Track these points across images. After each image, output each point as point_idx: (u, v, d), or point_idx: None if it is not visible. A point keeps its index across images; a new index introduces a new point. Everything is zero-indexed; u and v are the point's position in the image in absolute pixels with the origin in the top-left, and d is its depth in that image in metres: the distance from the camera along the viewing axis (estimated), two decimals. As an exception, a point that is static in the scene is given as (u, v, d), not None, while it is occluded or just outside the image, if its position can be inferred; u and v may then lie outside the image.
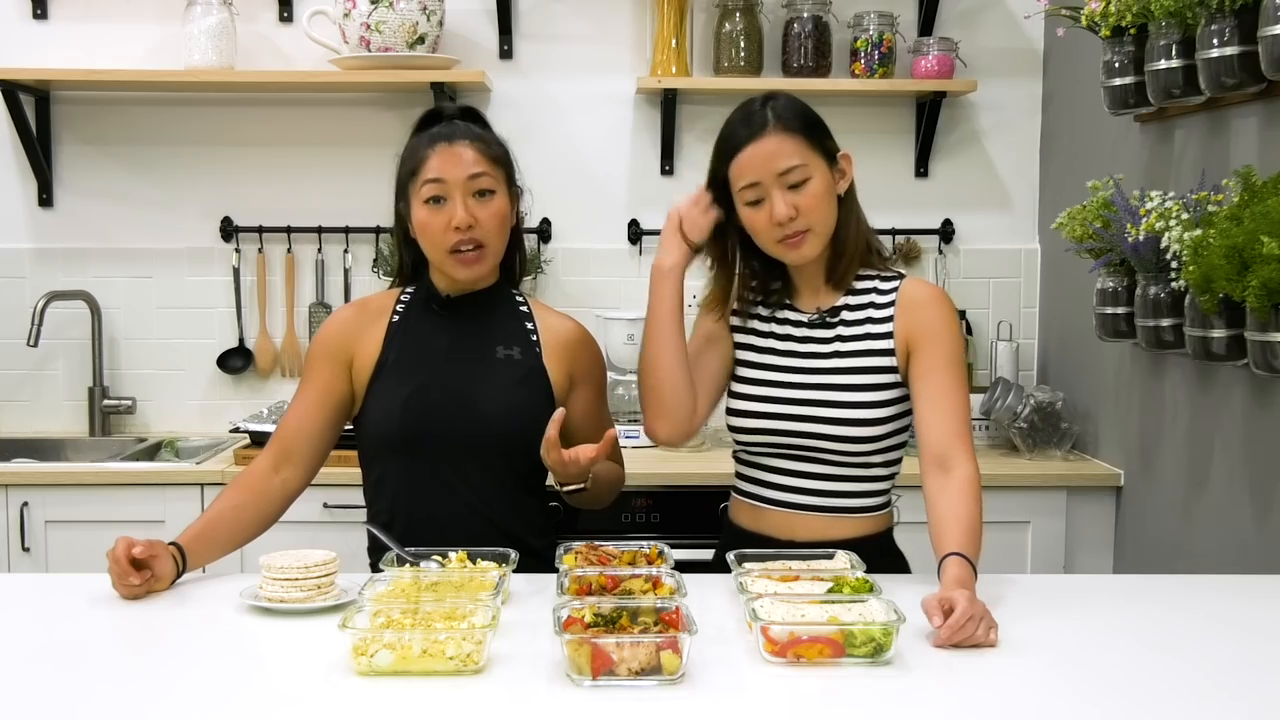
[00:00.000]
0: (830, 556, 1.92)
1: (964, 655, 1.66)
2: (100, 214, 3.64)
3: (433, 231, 2.11)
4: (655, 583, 1.77)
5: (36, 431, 3.63)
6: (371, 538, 2.19)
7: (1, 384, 3.65)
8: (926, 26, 3.61)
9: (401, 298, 2.24)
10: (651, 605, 1.64)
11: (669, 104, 3.57)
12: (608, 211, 3.68)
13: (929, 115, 3.60)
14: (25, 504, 3.10)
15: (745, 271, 2.16)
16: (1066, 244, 2.93)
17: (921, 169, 3.69)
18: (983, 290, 3.70)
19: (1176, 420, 2.85)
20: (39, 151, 3.56)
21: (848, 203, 2.09)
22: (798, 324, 2.13)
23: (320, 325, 2.49)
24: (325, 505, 3.01)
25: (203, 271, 3.66)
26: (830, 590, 1.75)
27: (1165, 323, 2.59)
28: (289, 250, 3.66)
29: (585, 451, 2.00)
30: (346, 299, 3.61)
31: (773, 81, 3.48)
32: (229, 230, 3.63)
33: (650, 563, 1.89)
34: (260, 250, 3.65)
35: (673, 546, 1.95)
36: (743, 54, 3.52)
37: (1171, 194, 2.59)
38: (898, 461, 2.14)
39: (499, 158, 2.16)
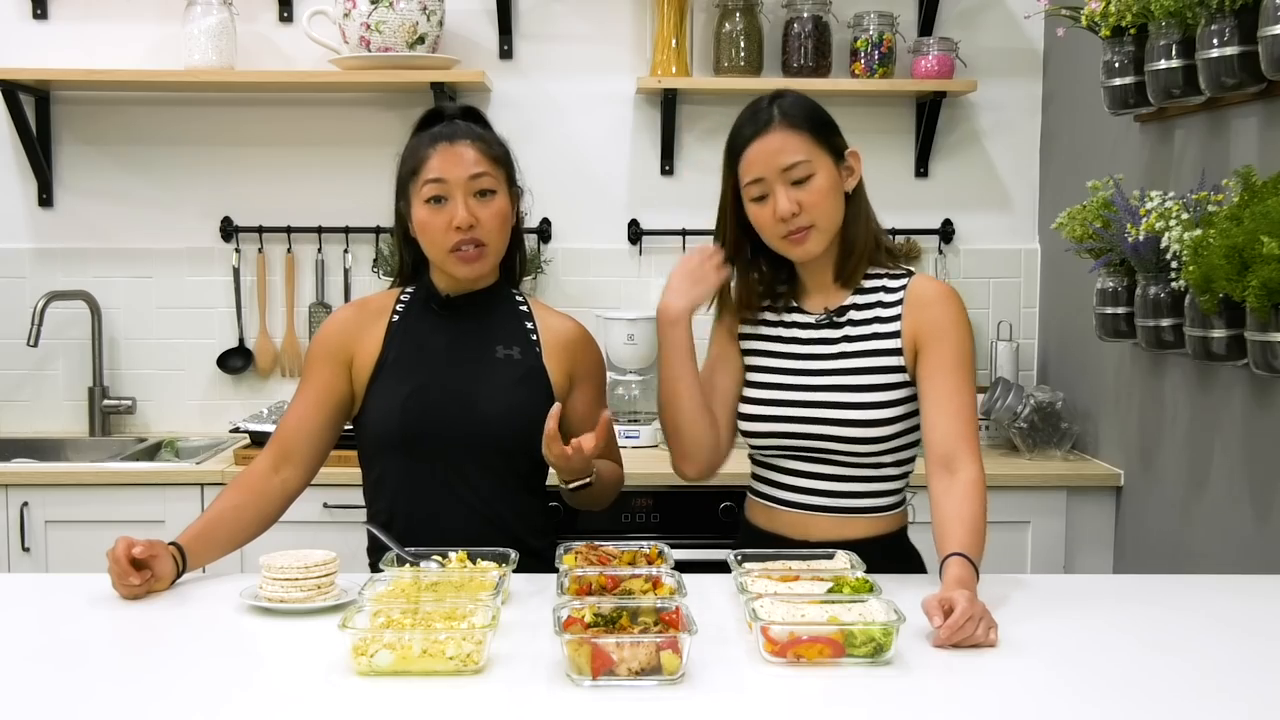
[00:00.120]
0: (830, 556, 1.92)
1: (964, 655, 1.66)
2: (100, 214, 3.64)
3: (433, 231, 2.11)
4: (655, 583, 1.77)
5: (36, 431, 3.63)
6: (371, 538, 2.19)
7: (1, 384, 3.65)
8: (926, 26, 3.61)
9: (401, 298, 2.24)
10: (651, 605, 1.64)
11: (669, 104, 3.57)
12: (608, 211, 3.68)
13: (929, 115, 3.60)
14: (25, 504, 3.10)
15: (754, 274, 2.16)
16: (1066, 244, 2.93)
17: (921, 169, 3.69)
18: (983, 290, 3.70)
19: (1176, 420, 2.85)
20: (39, 151, 3.56)
21: (856, 200, 2.09)
22: (805, 325, 2.12)
23: (320, 325, 2.49)
24: (325, 505, 3.01)
25: (203, 271, 3.66)
26: (830, 590, 1.75)
27: (1165, 323, 2.59)
28: (289, 250, 3.66)
29: (586, 440, 2.00)
30: (346, 299, 3.61)
31: (773, 81, 3.48)
32: (229, 230, 3.63)
33: (650, 563, 1.89)
34: (260, 250, 3.65)
35: (673, 546, 1.95)
36: (743, 54, 3.52)
37: (1171, 194, 2.59)
38: (911, 460, 2.13)
39: (500, 158, 2.16)
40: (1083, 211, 2.81)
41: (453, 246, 2.10)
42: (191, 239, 3.65)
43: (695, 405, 2.14)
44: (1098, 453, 3.28)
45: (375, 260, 3.56)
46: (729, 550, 1.93)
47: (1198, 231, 2.38)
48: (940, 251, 3.69)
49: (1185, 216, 2.46)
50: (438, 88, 3.42)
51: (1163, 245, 2.50)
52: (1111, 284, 2.79)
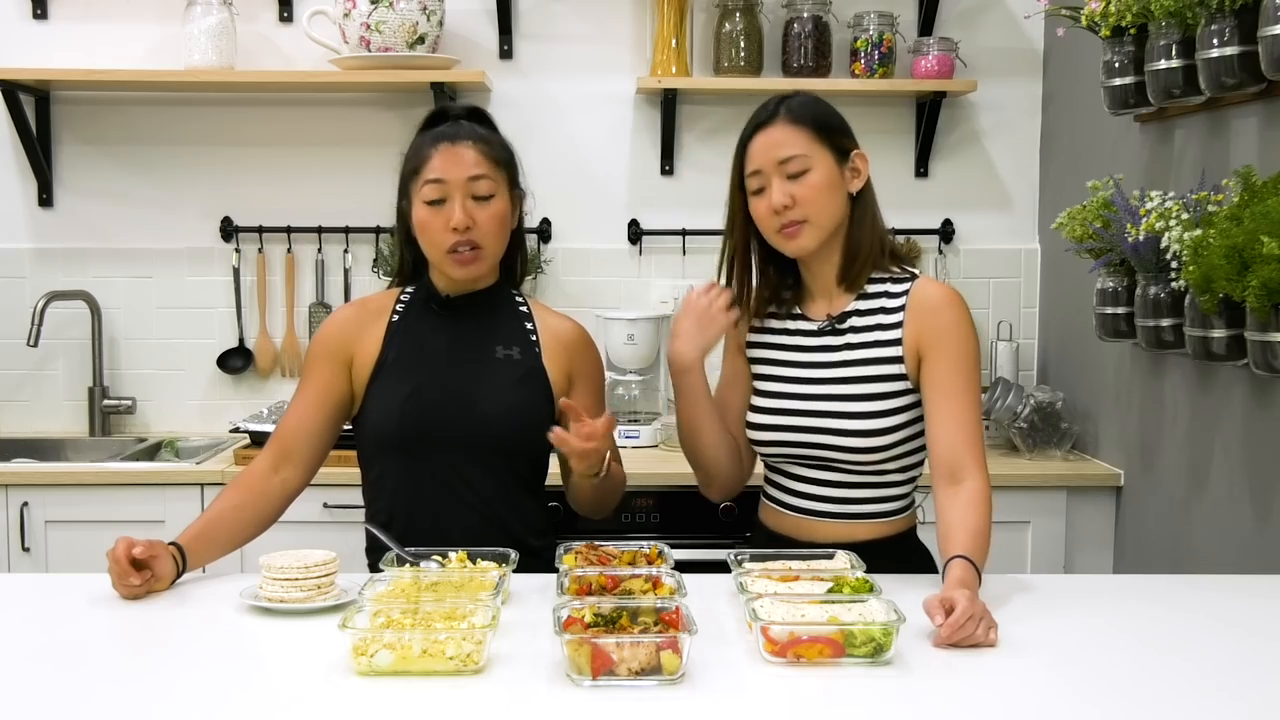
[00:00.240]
0: (830, 556, 1.92)
1: (964, 655, 1.66)
2: (100, 214, 3.64)
3: (431, 231, 2.11)
4: (655, 583, 1.77)
5: (36, 431, 3.63)
6: (371, 538, 2.19)
7: (1, 384, 3.65)
8: (926, 26, 3.61)
9: (401, 297, 2.24)
10: (651, 605, 1.64)
11: (669, 104, 3.57)
12: (608, 211, 3.68)
13: (929, 115, 3.60)
14: (25, 504, 3.10)
15: (761, 278, 2.16)
16: (1066, 244, 2.93)
17: (921, 169, 3.69)
18: (983, 290, 3.70)
19: (1176, 420, 2.85)
20: (39, 151, 3.56)
21: (862, 203, 2.08)
22: (808, 333, 2.12)
23: (320, 325, 2.49)
24: (325, 505, 3.01)
25: (203, 271, 3.66)
26: (830, 590, 1.75)
27: (1165, 323, 2.59)
28: (289, 250, 3.66)
29: (602, 423, 1.98)
30: (346, 299, 3.61)
31: (773, 81, 3.48)
32: (229, 230, 3.63)
33: (650, 563, 1.89)
34: (260, 250, 3.65)
35: (673, 546, 1.95)
36: (743, 54, 3.52)
37: (1171, 194, 2.59)
38: (918, 465, 2.13)
39: (502, 160, 2.16)
40: (1083, 211, 2.81)
41: (449, 248, 2.10)
42: (191, 239, 3.65)
43: (716, 439, 2.17)
44: (1098, 453, 3.28)
45: (375, 260, 3.56)
46: (729, 550, 1.93)
47: (1198, 231, 2.38)
48: (940, 251, 3.69)
49: (1185, 216, 2.46)
50: (438, 88, 3.42)
51: (1163, 245, 2.50)
52: (1111, 284, 2.79)
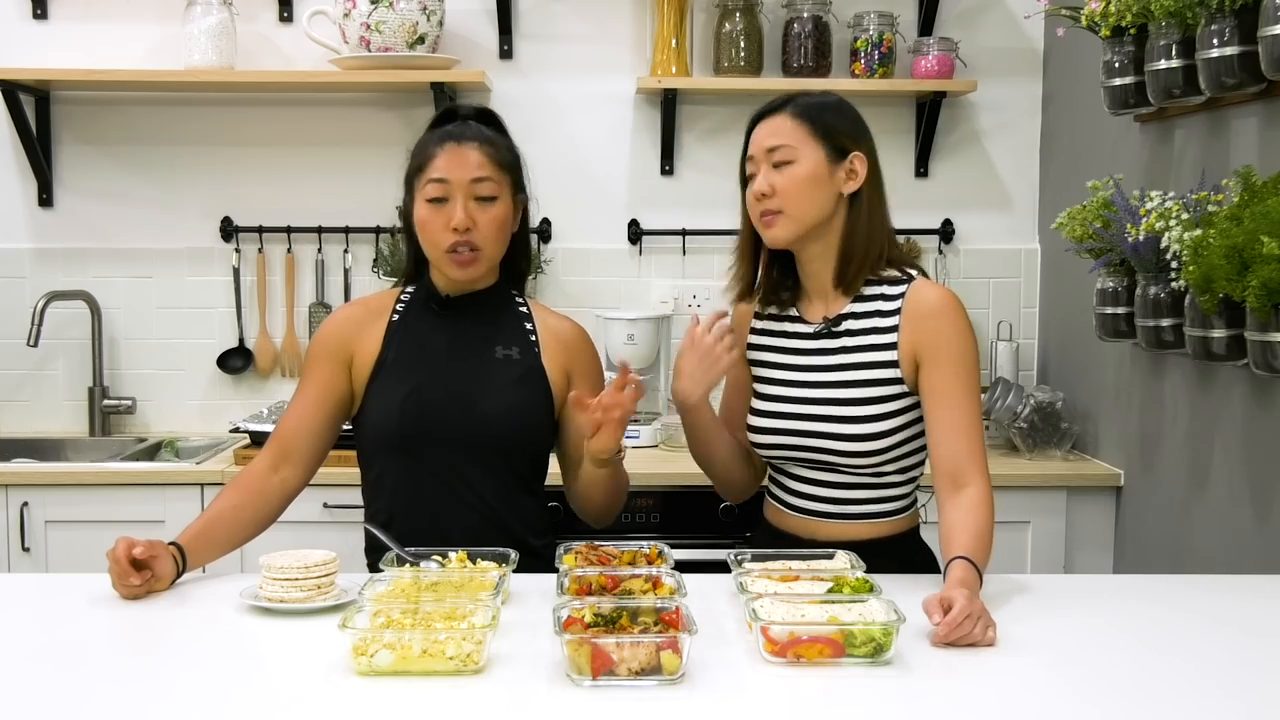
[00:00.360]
0: (830, 556, 1.92)
1: (964, 655, 1.66)
2: (100, 214, 3.64)
3: (431, 230, 2.11)
4: (655, 583, 1.77)
5: (36, 431, 3.62)
6: (370, 537, 2.19)
7: (1, 384, 3.65)
8: (926, 26, 3.61)
9: (401, 297, 2.24)
10: (651, 605, 1.64)
11: (669, 104, 3.57)
12: (608, 211, 3.68)
13: (929, 115, 3.60)
14: (25, 504, 3.10)
15: (763, 277, 2.16)
16: (1066, 244, 2.93)
17: (921, 169, 3.69)
18: (983, 290, 3.70)
19: (1176, 420, 2.85)
20: (39, 151, 3.56)
21: (859, 206, 2.06)
22: (804, 336, 2.12)
23: (320, 325, 2.49)
24: (325, 505, 3.01)
25: (203, 271, 3.66)
26: (830, 590, 1.75)
27: (1165, 323, 2.59)
28: (289, 250, 3.66)
29: (629, 393, 1.95)
30: (346, 299, 3.61)
31: (773, 82, 3.48)
32: (229, 230, 3.63)
33: (650, 563, 1.89)
34: (260, 250, 3.65)
35: (673, 546, 1.96)
36: (743, 54, 3.52)
37: (1171, 194, 2.59)
38: (918, 466, 2.13)
39: (506, 164, 2.15)
40: (1083, 211, 2.81)
41: (448, 247, 2.10)
42: (191, 239, 3.65)
43: (728, 455, 2.20)
44: (1098, 453, 3.28)
45: (375, 260, 3.56)
46: (729, 550, 1.94)
47: (1198, 231, 2.38)
48: (940, 251, 3.69)
49: (1185, 216, 2.46)
50: (438, 88, 3.42)
51: (1163, 245, 2.50)
52: (1111, 284, 2.79)
